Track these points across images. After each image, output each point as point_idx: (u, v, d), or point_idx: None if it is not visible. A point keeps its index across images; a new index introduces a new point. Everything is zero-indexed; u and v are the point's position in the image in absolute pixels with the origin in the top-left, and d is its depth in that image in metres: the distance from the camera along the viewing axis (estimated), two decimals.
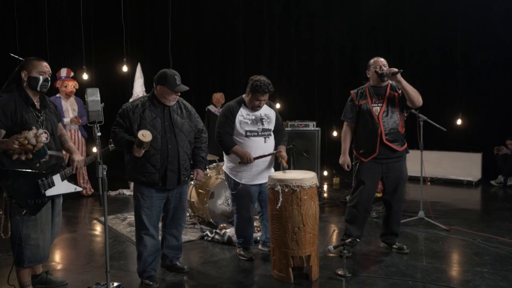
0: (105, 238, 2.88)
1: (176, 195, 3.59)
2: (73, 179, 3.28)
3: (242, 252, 4.08)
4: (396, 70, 3.83)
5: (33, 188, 3.00)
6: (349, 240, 3.85)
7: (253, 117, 3.92)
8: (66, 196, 6.28)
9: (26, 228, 3.02)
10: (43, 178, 3.05)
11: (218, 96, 7.37)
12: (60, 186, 3.15)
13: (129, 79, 7.04)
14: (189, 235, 4.77)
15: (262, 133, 3.96)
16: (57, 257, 4.26)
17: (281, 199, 3.43)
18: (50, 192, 3.08)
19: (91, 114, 2.71)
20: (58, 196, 3.26)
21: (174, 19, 7.20)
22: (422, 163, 5.13)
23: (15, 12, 6.52)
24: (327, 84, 8.82)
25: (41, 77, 3.01)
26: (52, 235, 3.31)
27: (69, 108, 6.50)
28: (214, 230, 4.66)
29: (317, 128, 6.80)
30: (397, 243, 4.17)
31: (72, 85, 6.49)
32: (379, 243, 4.33)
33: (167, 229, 3.70)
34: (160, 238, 3.67)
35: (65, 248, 4.58)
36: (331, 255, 4.09)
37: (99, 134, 2.78)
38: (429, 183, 7.76)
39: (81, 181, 6.74)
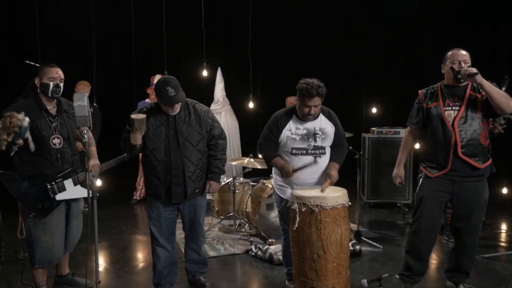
0: (95, 249, 2.78)
1: (190, 208, 3.34)
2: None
3: (292, 287, 3.36)
4: (474, 70, 2.96)
5: (41, 191, 3.06)
6: (387, 275, 3.15)
7: (304, 132, 3.25)
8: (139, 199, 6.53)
9: (37, 230, 3.09)
10: (53, 182, 3.09)
11: (292, 100, 6.91)
12: (72, 191, 3.17)
13: (210, 83, 7.06)
14: (235, 247, 4.51)
15: (313, 151, 3.26)
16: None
17: (298, 219, 2.95)
18: (60, 197, 3.11)
19: (78, 119, 2.63)
20: (75, 200, 3.28)
21: (254, 21, 6.99)
22: None
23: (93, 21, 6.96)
24: (427, 84, 7.65)
25: (51, 83, 3.06)
26: (71, 238, 3.35)
27: None
28: (258, 246, 4.32)
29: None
30: (465, 284, 3.30)
31: None
32: (444, 281, 3.49)
33: (187, 243, 3.50)
34: (173, 250, 3.45)
35: (107, 251, 4.56)
36: None
37: (85, 140, 2.69)
38: None
39: None
